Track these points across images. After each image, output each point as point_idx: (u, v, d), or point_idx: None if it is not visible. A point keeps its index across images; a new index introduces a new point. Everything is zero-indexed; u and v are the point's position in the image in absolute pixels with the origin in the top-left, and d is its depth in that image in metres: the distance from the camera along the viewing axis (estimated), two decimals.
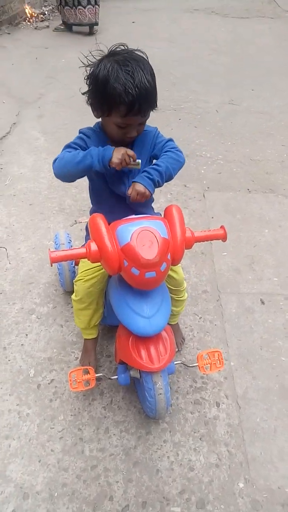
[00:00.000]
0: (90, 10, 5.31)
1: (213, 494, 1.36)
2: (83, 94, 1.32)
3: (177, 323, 1.78)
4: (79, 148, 1.33)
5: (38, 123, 3.55)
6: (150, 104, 1.23)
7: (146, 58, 1.24)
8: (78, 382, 1.46)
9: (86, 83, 1.28)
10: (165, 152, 1.33)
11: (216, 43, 5.37)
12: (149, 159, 1.41)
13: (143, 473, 1.41)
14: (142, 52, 1.25)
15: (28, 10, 6.09)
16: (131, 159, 1.24)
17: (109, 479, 1.40)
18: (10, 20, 5.84)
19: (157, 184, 1.29)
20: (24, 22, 6.04)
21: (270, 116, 3.72)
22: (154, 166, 1.29)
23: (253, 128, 3.52)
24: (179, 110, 3.77)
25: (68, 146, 1.35)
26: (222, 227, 1.31)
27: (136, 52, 1.24)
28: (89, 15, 5.34)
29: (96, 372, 1.51)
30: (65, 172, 1.30)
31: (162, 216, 1.30)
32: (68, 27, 5.59)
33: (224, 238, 1.31)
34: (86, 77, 1.28)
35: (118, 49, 1.26)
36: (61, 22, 5.63)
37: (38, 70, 4.55)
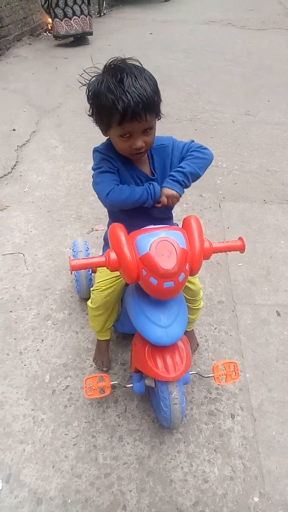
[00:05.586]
0: (76, 21, 5.46)
1: (227, 507, 1.35)
2: (89, 115, 1.31)
3: (192, 329, 1.79)
4: (114, 171, 1.30)
5: (56, 132, 3.61)
6: (146, 108, 1.17)
7: (139, 64, 1.21)
8: (93, 389, 1.47)
9: (89, 103, 1.28)
10: (190, 152, 1.34)
11: (233, 54, 5.40)
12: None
13: (156, 483, 1.41)
14: (135, 60, 1.23)
15: (49, 21, 6.25)
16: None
17: (122, 487, 1.40)
18: (31, 31, 5.99)
19: (184, 185, 1.30)
20: (44, 33, 6.20)
21: (286, 127, 3.71)
22: (178, 168, 1.31)
23: (269, 139, 3.52)
24: (195, 120, 3.80)
25: (101, 172, 1.30)
26: (240, 238, 1.31)
27: (129, 60, 1.21)
28: (76, 26, 5.50)
29: (110, 378, 1.52)
30: (121, 205, 1.31)
31: (181, 226, 1.31)
32: (60, 38, 5.69)
33: (242, 249, 1.30)
34: (86, 97, 1.27)
35: (112, 63, 1.22)
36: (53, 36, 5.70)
37: (58, 80, 4.65)
